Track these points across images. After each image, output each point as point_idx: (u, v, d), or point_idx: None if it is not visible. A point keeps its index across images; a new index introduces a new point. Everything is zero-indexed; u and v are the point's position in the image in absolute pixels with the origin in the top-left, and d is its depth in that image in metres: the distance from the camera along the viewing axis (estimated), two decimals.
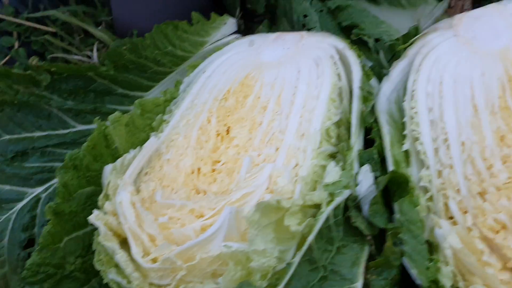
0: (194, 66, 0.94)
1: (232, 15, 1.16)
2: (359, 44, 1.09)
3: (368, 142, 0.76)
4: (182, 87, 0.91)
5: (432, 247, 0.64)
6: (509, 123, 0.69)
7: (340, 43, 0.85)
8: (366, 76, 0.80)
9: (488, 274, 0.58)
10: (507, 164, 0.65)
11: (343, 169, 0.66)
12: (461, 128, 0.71)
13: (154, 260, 0.62)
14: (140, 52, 0.92)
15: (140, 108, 0.84)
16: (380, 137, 0.72)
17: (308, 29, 1.12)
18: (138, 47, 0.91)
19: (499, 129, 0.69)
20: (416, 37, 0.85)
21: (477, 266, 0.59)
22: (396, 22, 1.14)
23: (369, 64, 1.03)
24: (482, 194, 0.65)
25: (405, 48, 0.85)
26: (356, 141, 0.71)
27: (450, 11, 1.19)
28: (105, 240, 0.64)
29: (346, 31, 1.10)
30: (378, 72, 0.95)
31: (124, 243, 0.69)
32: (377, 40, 1.08)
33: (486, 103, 0.72)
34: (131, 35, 1.16)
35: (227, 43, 0.98)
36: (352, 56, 0.83)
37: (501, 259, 0.61)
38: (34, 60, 1.21)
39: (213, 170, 0.73)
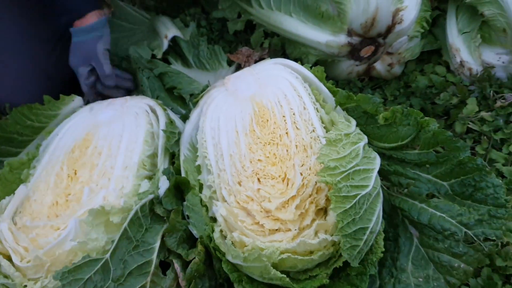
0: (50, 132, 1.25)
1: None
2: (180, 98, 1.52)
3: None
4: (41, 148, 1.22)
5: (214, 219, 1.03)
6: (254, 139, 1.12)
7: (152, 102, 1.24)
8: (170, 122, 1.19)
9: (240, 226, 0.98)
10: (252, 163, 1.08)
11: (153, 182, 1.04)
12: (229, 146, 1.12)
13: (28, 262, 0.92)
14: (5, 129, 1.23)
15: (8, 166, 1.14)
16: (178, 159, 1.12)
17: (143, 91, 1.51)
18: (2, 126, 1.23)
19: (249, 143, 1.12)
20: (203, 92, 1.29)
21: (235, 223, 0.99)
22: (204, 80, 1.59)
23: (183, 111, 1.46)
24: (239, 182, 1.06)
25: (198, 100, 1.27)
26: (162, 165, 1.09)
27: (243, 68, 1.68)
28: None
29: (170, 90, 1.52)
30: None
31: (10, 259, 0.97)
32: (191, 94, 1.51)
33: (243, 129, 1.14)
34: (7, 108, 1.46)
35: (74, 111, 1.32)
36: (160, 110, 1.22)
37: (252, 218, 1.02)
38: None
39: (67, 201, 1.05)
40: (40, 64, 1.52)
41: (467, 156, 1.00)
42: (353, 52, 1.43)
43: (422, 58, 1.56)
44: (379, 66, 1.50)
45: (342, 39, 1.39)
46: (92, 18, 1.41)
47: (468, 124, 1.37)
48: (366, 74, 1.53)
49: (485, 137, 1.35)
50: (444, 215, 1.00)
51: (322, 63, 1.51)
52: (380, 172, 1.06)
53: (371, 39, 1.40)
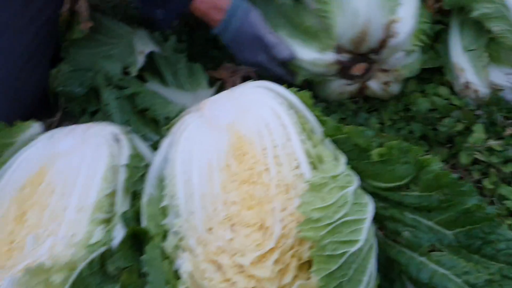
0: (3, 163, 1.10)
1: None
2: (154, 122, 1.38)
3: None
4: None
5: (178, 276, 0.89)
6: (230, 176, 0.97)
7: (116, 130, 1.10)
8: (135, 155, 1.05)
9: (207, 286, 0.83)
10: (225, 206, 0.93)
11: (108, 230, 0.89)
12: (202, 183, 0.98)
13: None
14: None
15: None
16: (140, 199, 0.97)
17: (109, 115, 1.37)
18: None
19: (223, 181, 0.97)
20: (176, 118, 1.14)
21: (201, 282, 0.84)
22: (182, 101, 1.45)
23: (156, 138, 1.31)
24: (210, 229, 0.91)
25: (170, 127, 1.13)
26: (121, 207, 0.94)
27: (226, 86, 1.53)
28: None
29: (141, 112, 1.38)
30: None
31: None
32: (167, 118, 1.37)
33: (217, 163, 1.00)
34: None
35: (33, 139, 1.18)
36: (124, 139, 1.07)
37: (222, 274, 0.87)
38: None
39: (9, 249, 0.90)
40: (7, 82, 1.39)
41: (474, 204, 0.85)
42: (343, 71, 1.29)
43: (423, 77, 1.41)
44: (374, 85, 1.36)
45: (330, 56, 1.25)
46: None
47: (475, 154, 1.22)
48: (360, 94, 1.39)
49: (493, 169, 1.20)
50: (447, 273, 0.86)
51: (311, 83, 1.37)
52: (374, 217, 0.91)
53: (362, 55, 1.26)
